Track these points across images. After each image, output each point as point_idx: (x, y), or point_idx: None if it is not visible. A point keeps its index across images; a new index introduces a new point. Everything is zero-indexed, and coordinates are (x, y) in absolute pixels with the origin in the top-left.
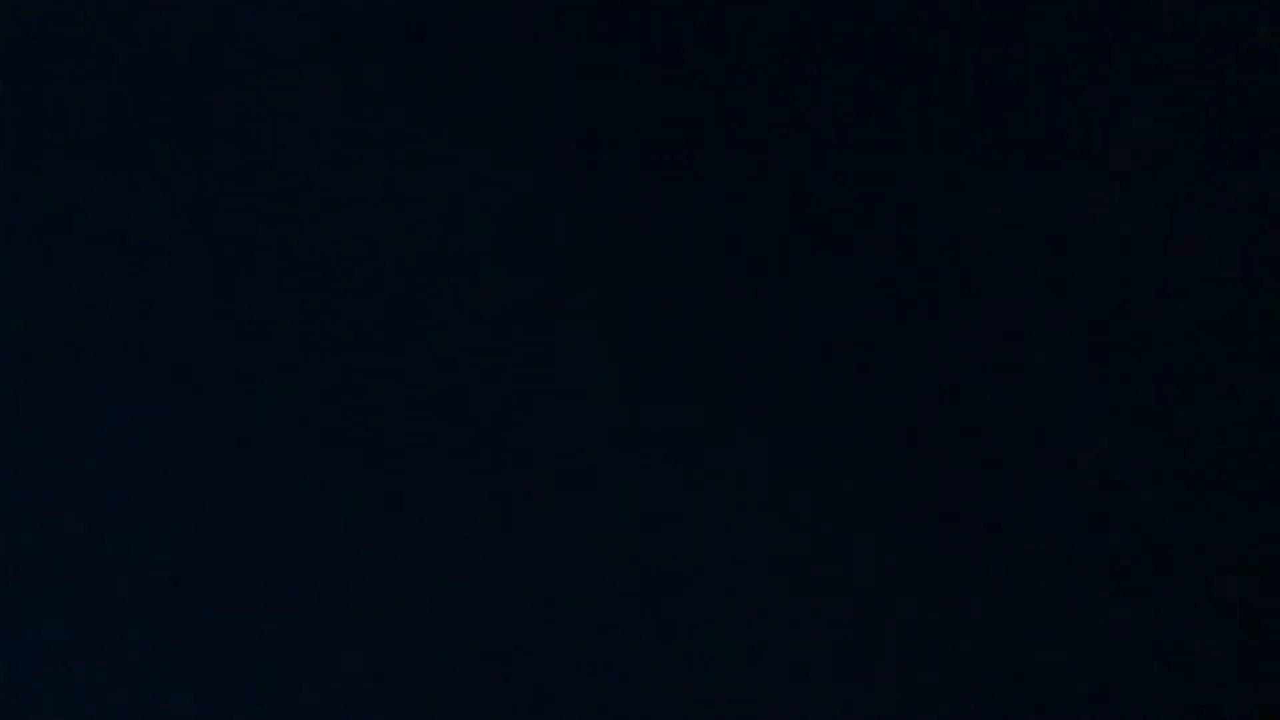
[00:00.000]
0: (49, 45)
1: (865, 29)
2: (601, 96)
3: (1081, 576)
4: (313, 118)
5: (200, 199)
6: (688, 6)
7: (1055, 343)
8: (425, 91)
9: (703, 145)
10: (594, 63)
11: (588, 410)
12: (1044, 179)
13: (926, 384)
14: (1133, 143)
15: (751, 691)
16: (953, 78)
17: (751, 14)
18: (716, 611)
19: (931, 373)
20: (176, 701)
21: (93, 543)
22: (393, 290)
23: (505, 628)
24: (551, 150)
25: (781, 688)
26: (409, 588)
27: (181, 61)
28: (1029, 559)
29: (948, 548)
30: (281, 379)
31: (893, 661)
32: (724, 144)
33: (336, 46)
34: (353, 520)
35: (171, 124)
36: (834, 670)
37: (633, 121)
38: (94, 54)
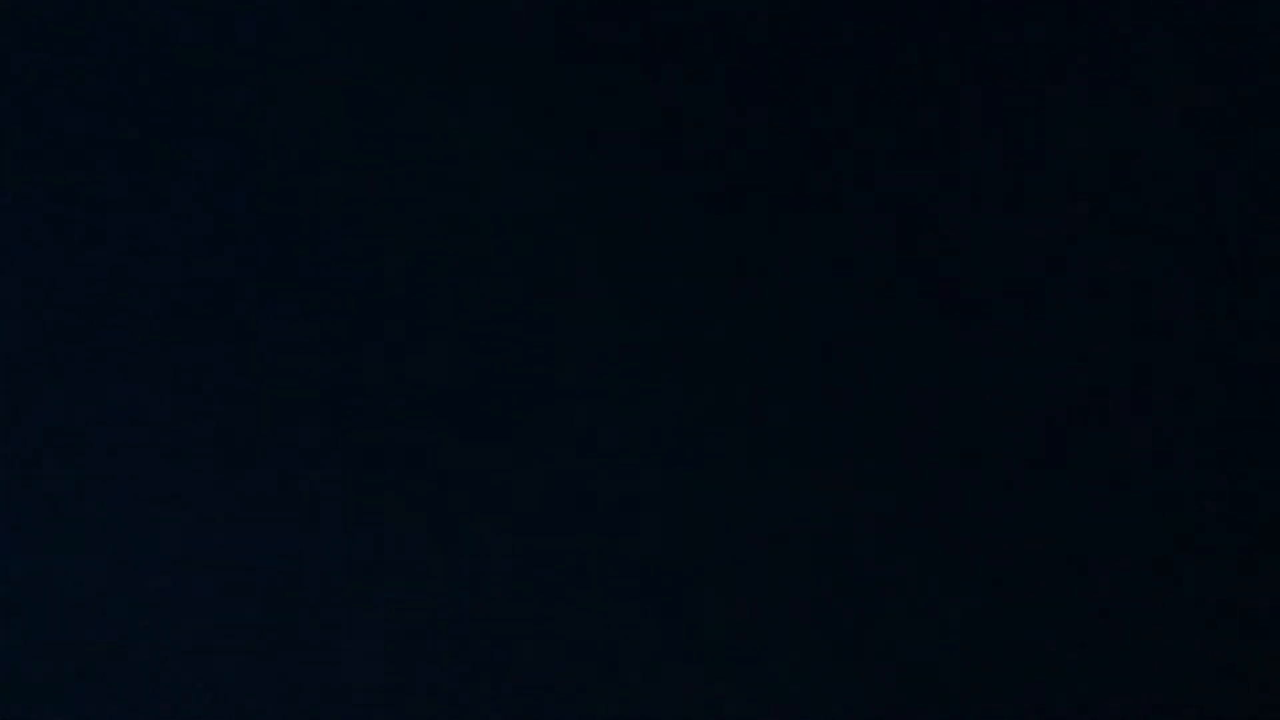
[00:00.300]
0: (49, 45)
1: (863, 26)
2: (604, 90)
3: (1082, 576)
4: (311, 112)
5: (203, 196)
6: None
7: (1052, 341)
8: (427, 88)
9: (698, 140)
10: (597, 57)
11: (588, 408)
12: (1041, 176)
13: (925, 380)
14: (1130, 140)
15: (753, 692)
16: (950, 72)
17: (747, 9)
18: (718, 612)
19: (930, 368)
20: (177, 702)
21: (94, 543)
22: (394, 286)
23: (508, 627)
24: (554, 147)
25: (784, 688)
26: (412, 586)
27: (183, 52)
28: (1030, 557)
29: (948, 544)
30: (285, 372)
31: (892, 661)
32: (722, 140)
33: (336, 42)
34: (354, 520)
35: (173, 124)
36: (834, 670)
37: (631, 115)
38: (87, 47)
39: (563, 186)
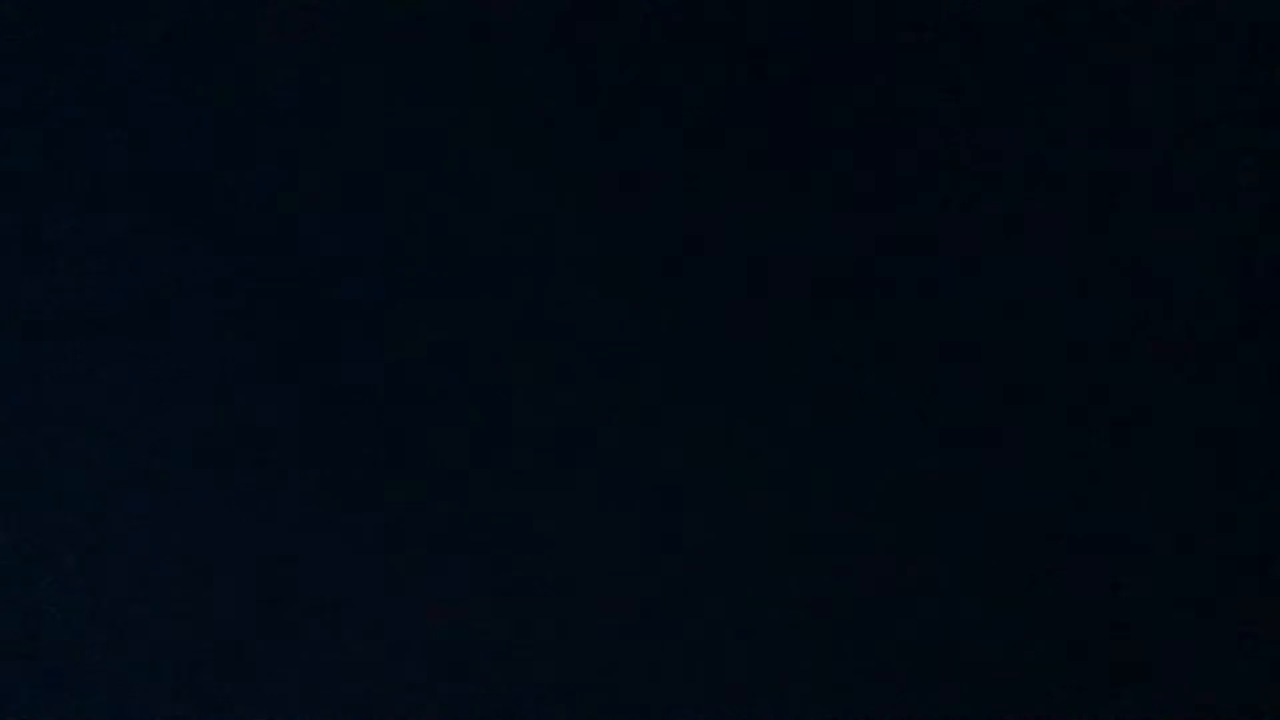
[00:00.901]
0: (49, 45)
1: (870, 28)
2: (602, 92)
3: (1081, 577)
4: (312, 114)
5: (206, 201)
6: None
7: (1054, 343)
8: (426, 87)
9: (697, 142)
10: (600, 58)
11: (589, 409)
12: (1044, 178)
13: (924, 381)
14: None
15: (753, 691)
16: (957, 76)
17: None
18: (719, 613)
19: (928, 369)
20: (178, 701)
21: (95, 543)
22: (395, 288)
23: (507, 629)
24: (556, 148)
25: (785, 688)
26: (413, 588)
27: (185, 57)
28: (1029, 557)
29: (948, 546)
30: (287, 373)
31: (891, 662)
32: (722, 144)
33: (337, 44)
34: (353, 521)
35: (176, 126)
36: (835, 670)
37: (631, 118)
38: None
39: (561, 191)
